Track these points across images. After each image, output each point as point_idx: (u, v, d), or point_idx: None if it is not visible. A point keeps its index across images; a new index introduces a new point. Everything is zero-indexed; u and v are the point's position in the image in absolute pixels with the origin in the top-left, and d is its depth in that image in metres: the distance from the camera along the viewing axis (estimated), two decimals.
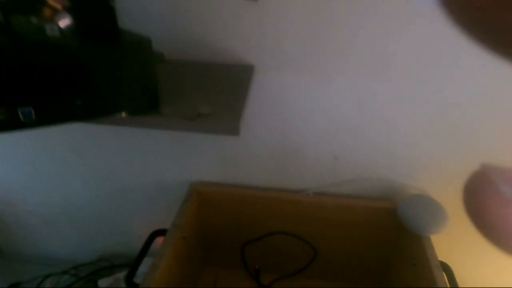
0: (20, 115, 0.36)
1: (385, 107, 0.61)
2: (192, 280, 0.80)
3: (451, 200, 0.72)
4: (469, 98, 0.59)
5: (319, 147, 0.68)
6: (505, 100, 0.58)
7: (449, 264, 0.66)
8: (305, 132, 0.66)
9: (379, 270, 0.79)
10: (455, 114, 0.61)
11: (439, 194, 0.71)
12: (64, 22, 0.35)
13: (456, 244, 0.79)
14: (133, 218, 0.84)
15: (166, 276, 0.58)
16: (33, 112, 0.37)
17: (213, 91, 0.48)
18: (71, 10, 0.35)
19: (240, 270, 0.86)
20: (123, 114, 0.42)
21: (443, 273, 0.63)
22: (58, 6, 0.35)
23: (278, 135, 0.67)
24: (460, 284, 0.64)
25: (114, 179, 0.78)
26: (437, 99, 0.60)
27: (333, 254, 0.80)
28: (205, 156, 0.72)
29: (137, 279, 0.70)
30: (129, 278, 0.57)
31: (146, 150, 0.72)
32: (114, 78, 0.39)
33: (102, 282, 0.85)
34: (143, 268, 0.65)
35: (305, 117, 0.64)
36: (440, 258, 0.66)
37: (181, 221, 0.65)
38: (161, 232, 0.64)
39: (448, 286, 0.59)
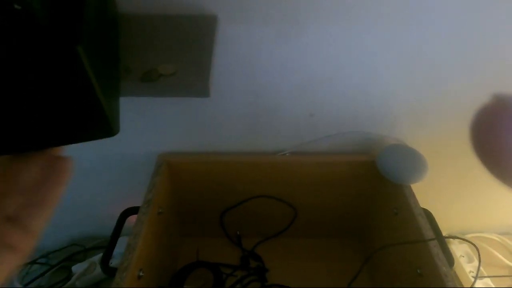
0: None
1: (360, 56, 0.57)
2: (172, 254, 0.77)
3: (429, 148, 0.72)
4: (446, 43, 0.56)
5: (294, 105, 0.64)
6: (482, 48, 0.56)
7: (430, 210, 0.67)
8: (278, 89, 0.61)
9: (361, 222, 0.80)
10: (432, 61, 0.58)
11: (418, 143, 0.70)
12: None
13: (434, 190, 0.80)
14: (101, 197, 0.77)
15: (144, 255, 0.54)
16: None
17: (174, 48, 0.41)
18: None
19: (221, 238, 0.83)
20: None
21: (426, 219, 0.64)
22: None
23: (249, 94, 0.62)
24: (441, 228, 0.65)
25: (73, 158, 0.70)
26: (414, 45, 0.56)
27: (314, 212, 0.79)
28: (171, 124, 0.66)
29: (114, 261, 0.65)
30: (104, 262, 0.52)
31: None
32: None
33: (76, 268, 0.80)
34: (118, 249, 0.60)
35: (277, 73, 0.59)
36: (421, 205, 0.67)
37: (154, 196, 0.60)
38: (132, 210, 0.59)
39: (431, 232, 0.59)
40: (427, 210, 0.65)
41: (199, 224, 0.82)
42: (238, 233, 0.84)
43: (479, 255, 0.72)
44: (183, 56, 0.40)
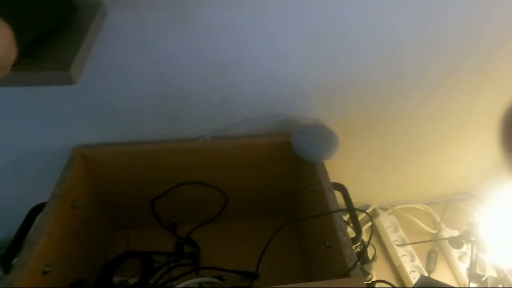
0: None
1: (263, 38, 0.58)
2: (100, 248, 0.76)
3: (344, 125, 0.74)
4: (348, 18, 0.57)
5: (205, 91, 0.64)
6: (380, 22, 0.58)
7: (347, 184, 0.70)
8: (186, 76, 0.61)
9: (285, 201, 0.82)
10: (335, 37, 0.60)
11: (332, 121, 0.73)
12: None
13: (350, 165, 0.84)
14: (11, 197, 0.75)
15: (52, 250, 0.54)
16: None
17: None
18: None
19: (155, 228, 0.83)
20: None
21: (338, 192, 0.67)
22: None
23: (157, 83, 0.61)
24: (355, 200, 0.68)
25: None
26: (314, 22, 0.57)
27: (242, 195, 0.80)
28: (82, 117, 0.64)
29: None
30: (5, 262, 0.51)
31: (5, 119, 0.62)
32: None
33: None
34: None
35: (182, 59, 0.59)
36: (337, 180, 0.69)
37: (63, 190, 0.59)
38: (42, 207, 0.58)
39: (339, 204, 0.62)
40: (341, 184, 0.68)
41: (130, 215, 0.82)
42: (173, 220, 0.85)
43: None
44: (48, 44, 0.38)
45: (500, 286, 0.79)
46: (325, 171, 0.66)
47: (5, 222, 0.78)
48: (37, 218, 0.56)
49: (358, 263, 0.52)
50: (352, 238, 0.57)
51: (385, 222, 0.91)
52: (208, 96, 0.65)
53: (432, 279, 0.48)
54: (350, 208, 0.64)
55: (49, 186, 0.60)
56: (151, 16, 0.52)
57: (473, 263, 0.81)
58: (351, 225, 0.64)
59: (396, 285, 0.78)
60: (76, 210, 0.63)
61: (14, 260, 0.50)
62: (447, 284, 0.47)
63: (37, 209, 0.59)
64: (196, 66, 0.60)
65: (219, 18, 0.54)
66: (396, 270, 0.84)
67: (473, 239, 0.84)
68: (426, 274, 0.81)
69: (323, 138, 0.66)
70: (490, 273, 0.82)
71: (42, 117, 0.64)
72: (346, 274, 0.52)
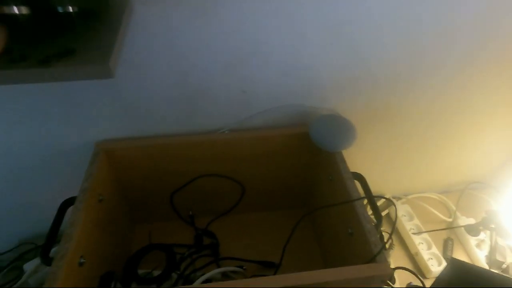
0: None
1: (283, 29, 0.59)
2: (124, 240, 0.78)
3: (362, 116, 0.75)
4: (368, 11, 0.58)
5: (225, 83, 0.65)
6: (404, 18, 0.59)
7: (363, 174, 0.71)
8: (206, 69, 0.62)
9: (303, 191, 0.83)
10: (355, 30, 0.61)
11: (350, 112, 0.74)
12: None
13: (365, 155, 0.85)
14: (42, 193, 0.76)
15: (85, 243, 0.55)
16: None
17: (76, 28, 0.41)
18: None
19: (174, 221, 0.85)
20: None
21: (357, 181, 0.68)
22: None
23: (178, 76, 0.62)
24: (372, 189, 0.69)
25: (6, 154, 0.69)
26: (334, 13, 0.58)
27: (260, 186, 0.82)
28: (103, 111, 0.66)
29: None
30: (44, 254, 0.53)
31: (32, 116, 0.64)
32: None
33: (27, 266, 0.79)
34: None
35: (201, 52, 0.60)
36: (355, 170, 0.70)
37: (91, 184, 0.60)
38: (72, 201, 0.60)
39: (361, 193, 0.63)
40: (359, 174, 0.69)
41: (150, 209, 0.83)
42: (190, 213, 0.86)
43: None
44: (86, 37, 0.40)
45: None
46: (344, 161, 0.67)
47: (36, 217, 0.80)
48: (69, 212, 0.58)
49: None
50: (373, 226, 0.58)
51: (400, 211, 0.92)
52: (227, 89, 0.66)
53: (464, 262, 0.49)
54: (369, 196, 0.65)
55: (74, 181, 0.61)
56: (174, 12, 0.53)
57: (493, 250, 0.82)
58: (371, 213, 0.65)
59: (415, 272, 0.79)
60: (103, 204, 0.64)
61: (52, 252, 0.52)
62: (480, 267, 0.48)
63: (66, 204, 0.61)
64: (216, 59, 0.61)
65: (238, 12, 0.55)
66: (413, 258, 0.85)
67: (493, 226, 0.84)
68: (444, 261, 0.82)
69: (342, 128, 0.67)
70: (510, 259, 0.83)
71: (66, 113, 0.65)
72: (372, 259, 0.53)
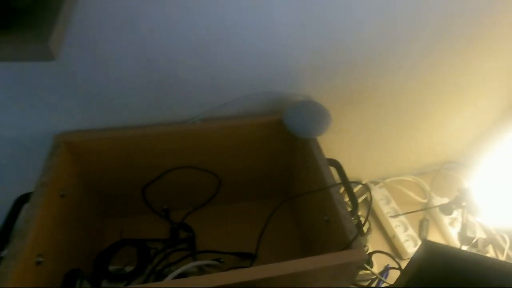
0: None
1: (251, 13, 0.56)
2: (93, 236, 0.74)
3: (335, 101, 0.73)
4: None
5: (193, 69, 0.62)
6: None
7: (339, 160, 0.69)
8: (172, 54, 0.58)
9: (279, 180, 0.82)
10: (323, 12, 0.58)
11: (323, 97, 0.72)
12: None
13: (339, 141, 0.83)
14: None
15: (43, 240, 0.51)
16: None
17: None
18: None
19: (148, 215, 0.82)
20: None
21: (333, 168, 0.67)
22: None
23: (141, 61, 0.58)
24: (349, 174, 0.68)
25: None
26: None
27: (236, 176, 0.79)
28: (63, 101, 0.61)
29: None
30: None
31: None
32: None
33: None
34: None
35: (166, 36, 0.56)
36: (331, 156, 0.69)
37: (50, 179, 0.56)
38: (28, 197, 0.55)
39: (336, 179, 0.62)
40: (335, 160, 0.68)
41: (122, 203, 0.79)
42: (164, 206, 0.83)
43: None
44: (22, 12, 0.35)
45: (490, 245, 0.82)
46: (319, 147, 0.66)
47: None
48: (24, 208, 0.54)
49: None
50: (349, 212, 0.57)
51: (377, 195, 0.92)
52: (195, 75, 0.63)
53: (435, 243, 0.49)
54: (345, 182, 0.64)
55: (32, 176, 0.57)
56: None
57: (463, 227, 0.84)
58: (347, 199, 0.64)
59: (392, 254, 0.79)
60: (65, 199, 0.60)
61: (3, 253, 0.48)
62: (450, 246, 0.48)
63: (22, 199, 0.57)
64: (182, 43, 0.57)
65: None
66: (390, 240, 0.86)
67: (464, 204, 0.86)
68: (419, 242, 0.82)
69: (316, 114, 0.65)
70: (480, 235, 0.85)
71: (19, 101, 0.60)
72: (347, 246, 0.52)
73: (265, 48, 0.61)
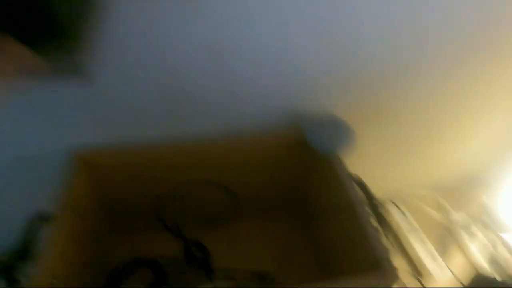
0: None
1: (274, 27, 0.55)
2: (105, 255, 0.72)
3: (355, 115, 0.72)
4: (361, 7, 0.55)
5: (212, 83, 0.60)
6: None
7: (360, 175, 0.67)
8: (192, 67, 0.57)
9: (298, 196, 0.79)
10: (348, 27, 0.57)
11: (343, 112, 0.70)
12: None
13: (365, 155, 0.82)
14: (9, 204, 0.69)
15: (57, 261, 0.49)
16: None
17: None
18: None
19: (161, 232, 0.79)
20: None
21: (356, 184, 0.65)
22: None
23: (162, 77, 0.57)
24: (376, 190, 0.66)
25: None
26: (327, 10, 0.54)
27: (252, 193, 0.77)
28: (81, 116, 0.60)
29: None
30: (7, 271, 0.46)
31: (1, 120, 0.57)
32: None
33: None
34: None
35: (187, 49, 0.55)
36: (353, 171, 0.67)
37: (65, 197, 0.54)
38: (43, 214, 0.53)
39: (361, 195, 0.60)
40: (356, 175, 0.66)
41: (134, 220, 0.77)
42: (177, 224, 0.80)
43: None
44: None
45: None
46: (341, 163, 0.64)
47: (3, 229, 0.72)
48: (40, 227, 0.52)
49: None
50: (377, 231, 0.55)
51: (395, 211, 0.90)
52: (215, 89, 0.61)
53: (487, 277, 0.47)
54: (370, 199, 0.62)
55: (48, 191, 0.55)
56: (157, 7, 0.48)
57: (484, 242, 0.82)
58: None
59: (411, 272, 0.77)
60: (79, 216, 0.58)
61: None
62: (502, 282, 0.46)
63: (38, 217, 0.55)
64: (202, 57, 0.56)
65: (228, 5, 0.51)
66: (410, 257, 0.83)
67: (485, 219, 0.84)
68: (439, 258, 0.80)
69: (339, 129, 0.64)
70: (501, 250, 0.82)
71: (38, 117, 0.59)
72: (376, 266, 0.50)
73: (285, 62, 0.60)
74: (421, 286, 0.75)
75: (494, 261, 0.80)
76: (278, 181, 0.76)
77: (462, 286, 0.59)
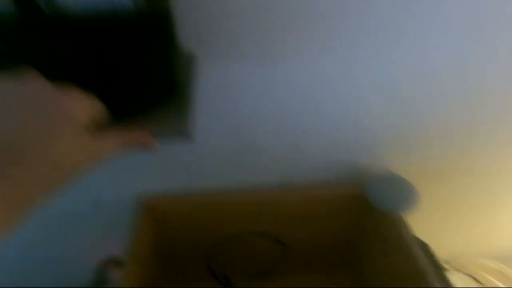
0: None
1: (343, 86, 0.57)
2: None
3: (418, 174, 0.70)
4: (427, 63, 0.56)
5: (278, 138, 0.62)
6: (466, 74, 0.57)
7: (423, 236, 0.65)
8: (260, 122, 0.60)
9: (352, 255, 0.77)
10: (414, 81, 0.58)
11: (405, 170, 0.69)
12: None
13: (426, 216, 0.78)
14: (76, 247, 0.72)
15: None
16: None
17: None
18: None
19: (209, 281, 0.78)
20: None
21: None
22: None
23: (230, 130, 0.60)
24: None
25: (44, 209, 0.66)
26: (397, 70, 0.56)
27: (303, 247, 0.75)
28: (148, 166, 0.63)
29: None
30: None
31: None
32: None
33: None
34: None
35: (258, 106, 0.57)
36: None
37: (134, 243, 0.56)
38: (113, 260, 0.55)
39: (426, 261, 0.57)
40: (421, 239, 0.63)
41: (184, 267, 0.77)
42: (227, 274, 0.79)
43: None
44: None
45: None
46: (405, 224, 0.61)
47: (73, 274, 0.75)
48: (111, 271, 0.53)
49: None
50: None
51: (456, 279, 0.84)
52: (279, 142, 0.63)
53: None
54: (437, 267, 0.58)
55: (116, 237, 0.57)
56: (235, 64, 0.52)
57: None
58: None
59: None
60: (144, 262, 0.59)
61: None
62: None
63: (109, 262, 0.57)
64: (271, 113, 0.59)
65: (301, 66, 0.54)
66: None
67: None
68: None
69: (403, 189, 0.62)
70: None
71: (106, 167, 0.63)
72: None
73: (351, 119, 0.61)
74: None
75: None
76: (332, 236, 0.74)
77: None
